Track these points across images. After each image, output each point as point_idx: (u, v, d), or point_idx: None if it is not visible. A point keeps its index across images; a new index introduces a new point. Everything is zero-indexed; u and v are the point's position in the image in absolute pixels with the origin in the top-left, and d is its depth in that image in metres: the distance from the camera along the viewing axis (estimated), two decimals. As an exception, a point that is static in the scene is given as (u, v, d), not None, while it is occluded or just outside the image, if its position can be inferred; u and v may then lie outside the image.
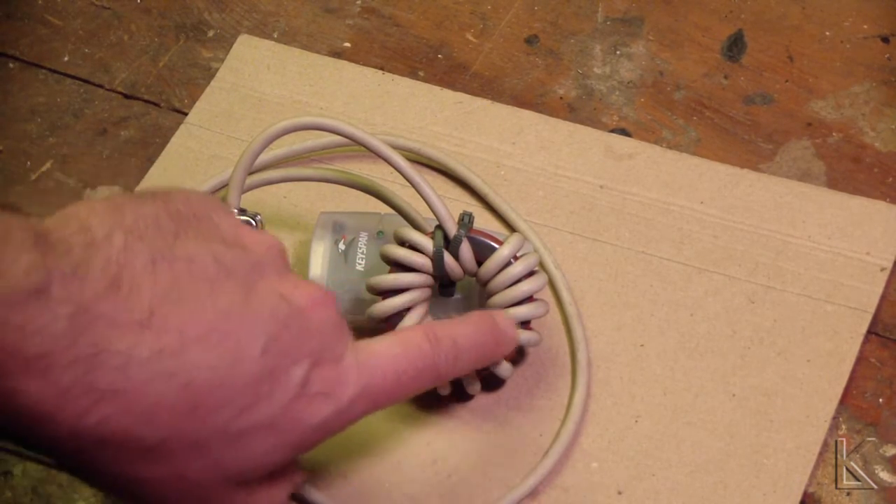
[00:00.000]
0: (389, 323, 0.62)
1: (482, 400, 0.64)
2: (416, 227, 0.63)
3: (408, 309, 0.62)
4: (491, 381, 0.64)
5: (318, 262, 0.64)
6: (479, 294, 0.64)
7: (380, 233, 0.65)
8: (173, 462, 0.47)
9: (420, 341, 0.54)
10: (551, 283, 0.66)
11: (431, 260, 0.62)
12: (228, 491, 0.50)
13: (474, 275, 0.62)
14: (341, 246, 0.65)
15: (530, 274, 0.62)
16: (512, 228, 0.68)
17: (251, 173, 0.64)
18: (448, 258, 0.62)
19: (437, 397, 0.64)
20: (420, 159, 0.70)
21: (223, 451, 0.48)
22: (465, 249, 0.62)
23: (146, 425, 0.46)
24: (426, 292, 0.63)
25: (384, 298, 0.62)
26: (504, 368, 0.62)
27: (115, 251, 0.46)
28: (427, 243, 0.62)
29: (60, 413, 0.45)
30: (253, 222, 0.62)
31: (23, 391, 0.44)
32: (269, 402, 0.48)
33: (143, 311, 0.46)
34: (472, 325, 0.57)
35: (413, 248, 0.62)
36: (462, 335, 0.56)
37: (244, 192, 0.62)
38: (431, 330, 0.55)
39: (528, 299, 0.62)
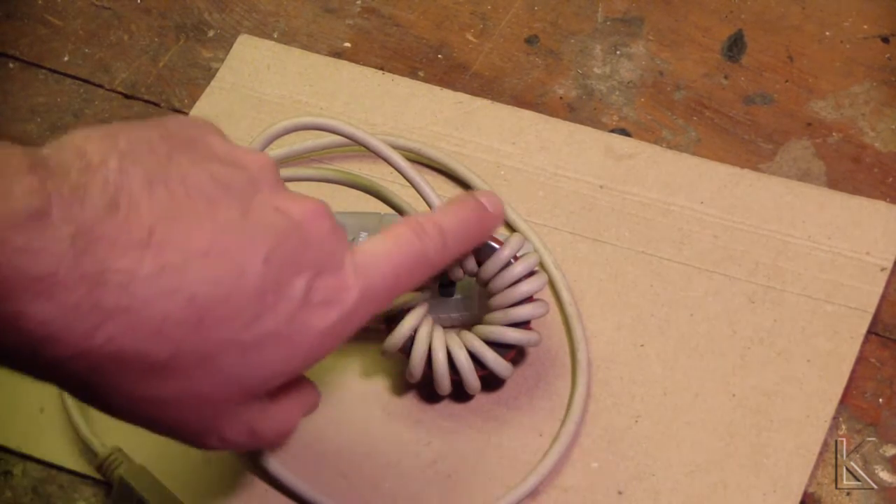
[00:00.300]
0: (389, 324, 0.62)
1: (482, 400, 0.64)
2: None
3: (408, 309, 0.62)
4: (491, 381, 0.64)
5: (318, 262, 0.64)
6: (479, 294, 0.64)
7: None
8: (185, 378, 0.47)
9: (408, 235, 0.54)
10: (551, 284, 0.66)
11: (431, 260, 0.62)
12: (242, 406, 0.50)
13: (474, 275, 0.62)
14: (341, 246, 0.65)
15: (530, 274, 0.62)
16: (512, 228, 0.68)
17: (251, 173, 0.64)
18: (448, 258, 0.62)
19: (437, 397, 0.64)
20: (420, 159, 0.70)
21: (233, 363, 0.48)
22: (465, 250, 0.62)
23: (154, 341, 0.46)
24: (426, 292, 0.63)
25: (384, 298, 0.62)
26: (504, 368, 0.62)
27: (111, 173, 0.46)
28: (427, 243, 0.62)
29: (67, 333, 0.45)
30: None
31: (28, 313, 0.44)
32: (275, 313, 0.48)
33: (142, 230, 0.46)
34: (454, 208, 0.58)
35: (413, 248, 0.62)
36: (446, 221, 0.56)
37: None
38: (416, 221, 0.55)
39: (529, 299, 0.62)
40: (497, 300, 0.62)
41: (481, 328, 0.62)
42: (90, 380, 0.47)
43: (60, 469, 0.64)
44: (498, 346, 0.62)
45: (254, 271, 0.48)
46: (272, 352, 0.49)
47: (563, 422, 0.63)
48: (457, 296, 0.64)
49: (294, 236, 0.50)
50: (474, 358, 0.62)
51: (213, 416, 0.50)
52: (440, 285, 0.63)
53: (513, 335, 0.62)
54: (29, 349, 0.45)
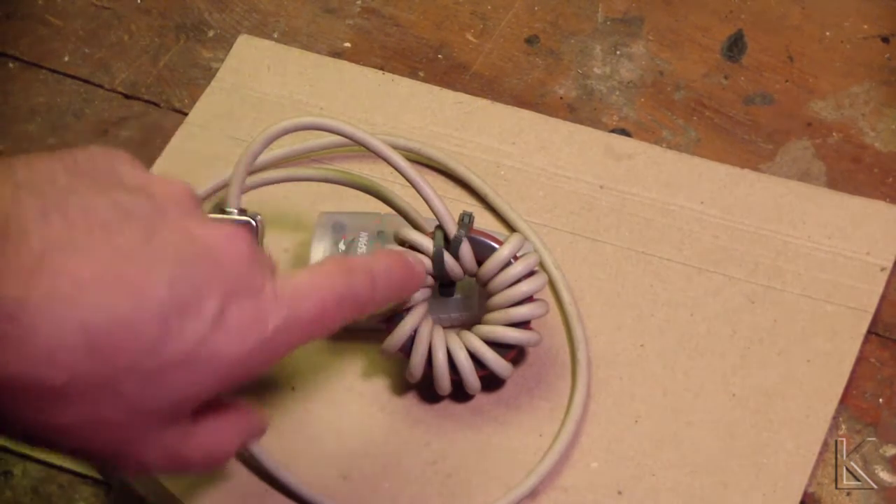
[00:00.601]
0: (389, 324, 0.62)
1: (482, 400, 0.64)
2: (416, 227, 0.63)
3: (408, 309, 0.62)
4: (491, 381, 0.64)
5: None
6: (478, 294, 0.64)
7: (380, 233, 0.65)
8: (85, 405, 0.47)
9: (337, 271, 0.54)
10: (551, 284, 0.66)
11: (431, 260, 0.62)
12: (156, 431, 0.49)
13: (474, 275, 0.62)
14: (341, 246, 0.65)
15: (530, 274, 0.62)
16: (512, 228, 0.68)
17: (251, 173, 0.64)
18: (448, 258, 0.62)
19: (437, 397, 0.64)
20: (420, 159, 0.70)
21: (137, 390, 0.47)
22: (466, 249, 0.62)
23: (46, 368, 0.46)
24: (426, 292, 0.63)
25: (384, 298, 0.62)
26: (504, 368, 0.62)
27: (2, 202, 0.46)
28: (427, 243, 0.62)
29: None
30: (253, 222, 0.62)
31: None
32: (182, 338, 0.47)
33: (32, 258, 0.45)
34: (383, 256, 0.58)
35: (413, 248, 0.62)
36: (375, 265, 0.56)
37: (244, 192, 0.62)
38: (344, 260, 0.55)
39: (529, 299, 0.62)
40: (497, 300, 0.62)
41: (481, 328, 0.62)
42: None
43: (60, 469, 0.64)
44: (498, 346, 0.62)
45: (155, 296, 0.47)
46: (179, 377, 0.48)
47: (563, 422, 0.63)
48: (457, 296, 0.64)
49: (205, 260, 0.49)
50: (474, 358, 0.62)
51: (123, 441, 0.49)
52: (440, 285, 0.63)
53: (513, 335, 0.62)
54: None
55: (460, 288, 0.64)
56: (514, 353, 0.63)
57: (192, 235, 0.49)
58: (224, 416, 0.52)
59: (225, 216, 0.62)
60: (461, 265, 0.62)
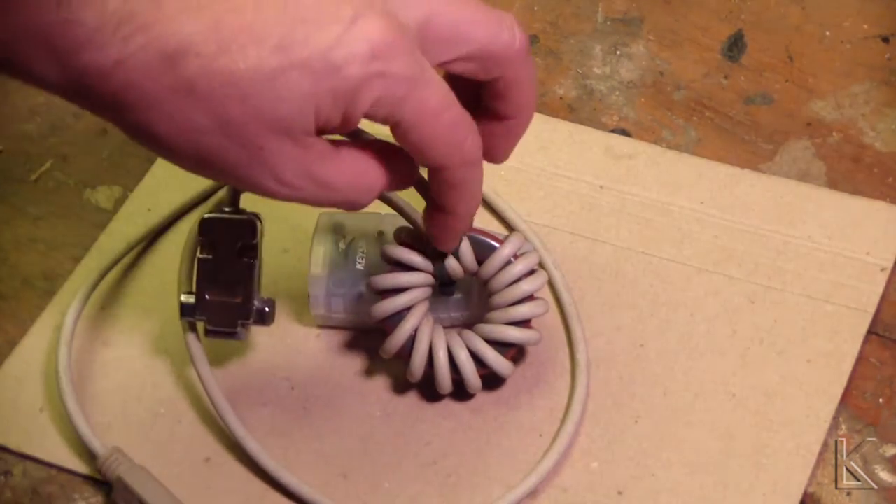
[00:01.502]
0: (390, 323, 0.62)
1: (482, 400, 0.64)
2: (416, 227, 0.63)
3: (408, 308, 0.62)
4: (491, 381, 0.64)
5: (319, 262, 0.64)
6: (478, 293, 0.64)
7: (380, 233, 0.65)
8: (212, 103, 0.49)
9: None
10: (551, 284, 0.66)
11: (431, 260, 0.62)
12: (291, 144, 0.50)
13: (474, 274, 0.62)
14: (341, 246, 0.65)
15: (531, 273, 0.62)
16: (511, 228, 0.68)
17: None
18: (448, 258, 0.62)
19: (438, 397, 0.64)
20: (420, 159, 0.70)
21: (259, 92, 0.49)
22: (466, 248, 0.62)
23: (179, 58, 0.48)
24: (426, 291, 0.63)
25: (384, 298, 0.62)
26: (505, 367, 0.62)
27: None
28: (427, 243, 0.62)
29: (109, 41, 0.47)
30: (258, 222, 0.62)
31: (76, 20, 0.47)
32: (305, 45, 0.49)
33: None
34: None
35: (413, 248, 0.62)
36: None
37: (244, 192, 0.62)
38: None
39: (529, 298, 0.62)
40: (497, 299, 0.62)
41: (482, 327, 0.62)
42: (132, 97, 0.48)
43: (60, 469, 0.64)
44: (498, 344, 0.62)
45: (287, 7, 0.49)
46: (297, 83, 0.49)
47: (563, 422, 0.63)
48: (457, 295, 0.64)
49: None
50: (475, 357, 0.62)
51: (258, 150, 0.50)
52: (440, 284, 0.63)
53: (513, 334, 0.62)
54: (76, 59, 0.47)
55: (460, 287, 0.64)
56: (515, 352, 0.63)
57: None
58: (372, 153, 0.54)
59: (225, 215, 0.62)
60: (461, 264, 0.62)
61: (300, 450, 0.63)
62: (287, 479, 0.62)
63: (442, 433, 0.63)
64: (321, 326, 0.66)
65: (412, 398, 0.64)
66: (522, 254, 0.62)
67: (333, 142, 0.53)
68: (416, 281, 0.62)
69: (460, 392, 0.63)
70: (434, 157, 0.54)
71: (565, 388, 0.64)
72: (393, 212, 0.64)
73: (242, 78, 0.49)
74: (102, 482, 0.63)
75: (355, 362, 0.65)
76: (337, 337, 0.66)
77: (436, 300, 0.64)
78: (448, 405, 0.64)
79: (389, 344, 0.62)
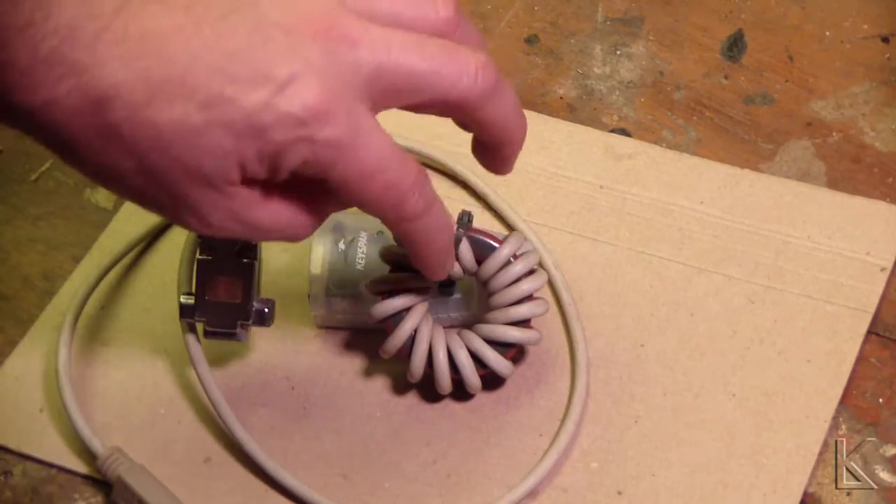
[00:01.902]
0: (389, 323, 0.62)
1: (482, 400, 0.64)
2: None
3: (407, 309, 0.62)
4: (491, 381, 0.64)
5: (319, 262, 0.64)
6: (478, 293, 0.64)
7: (379, 232, 0.65)
8: (135, 150, 0.48)
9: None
10: (551, 284, 0.66)
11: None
12: (198, 189, 0.50)
13: (474, 274, 0.62)
14: (341, 246, 0.65)
15: (530, 273, 0.62)
16: (511, 229, 0.68)
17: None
18: (448, 258, 0.62)
19: (437, 397, 0.64)
20: (420, 159, 0.70)
21: (182, 144, 0.49)
22: (465, 249, 0.62)
23: (106, 104, 0.48)
24: (426, 292, 0.63)
25: (384, 299, 0.62)
26: (505, 367, 0.62)
27: None
28: (427, 243, 0.62)
29: (40, 82, 0.47)
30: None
31: (9, 61, 0.47)
32: (231, 106, 0.48)
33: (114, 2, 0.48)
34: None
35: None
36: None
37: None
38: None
39: (529, 298, 0.62)
40: (497, 299, 0.62)
41: (481, 327, 0.62)
42: (59, 136, 0.49)
43: (60, 469, 0.64)
44: (498, 345, 0.62)
45: (217, 56, 0.48)
46: (219, 140, 0.49)
47: (563, 422, 0.63)
48: (456, 295, 0.64)
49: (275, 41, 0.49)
50: (475, 357, 0.62)
51: (182, 196, 0.50)
52: (440, 285, 0.63)
53: (513, 334, 0.62)
54: (8, 97, 0.48)
55: (460, 287, 0.64)
56: (515, 352, 0.63)
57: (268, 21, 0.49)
58: (307, 195, 0.52)
59: None
60: (461, 264, 0.62)
61: (300, 450, 0.63)
62: (287, 480, 0.62)
63: (442, 433, 0.63)
64: (321, 326, 0.66)
65: (412, 398, 0.64)
66: (522, 254, 0.62)
67: (264, 187, 0.51)
68: (416, 282, 0.62)
69: (460, 392, 0.63)
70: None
71: (565, 388, 0.64)
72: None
73: (166, 129, 0.48)
74: (102, 482, 0.63)
75: (355, 362, 0.65)
76: (337, 337, 0.66)
77: (435, 300, 0.64)
78: (448, 405, 0.64)
79: (389, 344, 0.62)
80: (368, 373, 0.65)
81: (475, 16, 0.77)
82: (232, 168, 0.49)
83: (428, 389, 0.64)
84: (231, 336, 0.62)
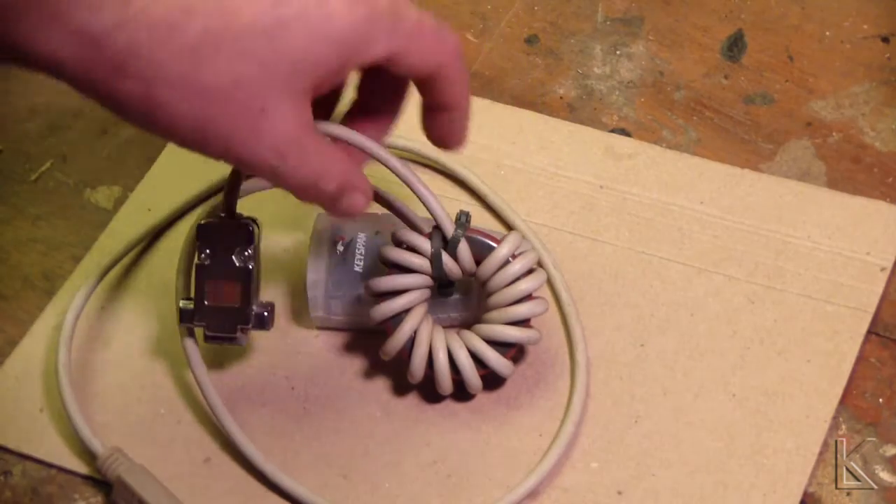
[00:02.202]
0: (389, 325, 0.62)
1: (482, 400, 0.64)
2: (413, 227, 0.63)
3: (407, 310, 0.62)
4: (491, 381, 0.64)
5: (317, 265, 0.64)
6: (477, 293, 0.64)
7: (377, 233, 0.65)
8: (219, 63, 0.49)
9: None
10: (550, 283, 0.66)
11: (430, 261, 0.62)
12: (276, 98, 0.51)
13: (473, 274, 0.62)
14: (340, 247, 0.65)
15: (529, 272, 0.62)
16: (511, 229, 0.68)
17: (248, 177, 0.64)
18: (447, 259, 0.61)
19: (438, 397, 0.64)
20: (419, 159, 0.70)
21: (261, 46, 0.49)
22: (464, 249, 0.62)
23: (183, 20, 0.48)
24: (425, 293, 0.63)
25: (383, 300, 0.62)
26: (505, 367, 0.62)
27: None
28: (425, 244, 0.62)
29: (106, 2, 0.47)
30: (255, 226, 0.62)
31: None
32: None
33: None
34: None
35: (411, 249, 0.62)
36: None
37: (243, 195, 0.62)
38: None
39: (528, 297, 0.62)
40: (496, 299, 0.62)
41: (481, 327, 0.62)
42: (129, 66, 0.48)
43: (60, 469, 0.64)
44: (498, 344, 0.62)
45: None
46: (297, 33, 0.50)
47: (563, 422, 0.63)
48: (456, 295, 0.64)
49: None
50: (475, 357, 0.62)
51: (259, 112, 0.51)
52: (439, 285, 0.63)
53: (513, 333, 0.62)
54: (75, 17, 0.47)
55: (459, 287, 0.64)
56: (515, 352, 0.63)
57: None
58: (342, 152, 0.55)
59: (222, 220, 0.62)
60: (460, 265, 0.62)
61: (300, 450, 0.63)
62: (287, 480, 0.62)
63: (442, 433, 0.63)
64: (320, 328, 0.66)
65: (412, 398, 0.64)
66: (521, 253, 0.62)
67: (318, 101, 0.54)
68: (415, 283, 0.62)
69: (460, 392, 0.63)
70: (445, 86, 0.56)
71: (565, 388, 0.64)
72: (390, 213, 0.64)
73: (243, 33, 0.49)
74: (102, 482, 0.63)
75: (355, 363, 0.65)
76: (337, 337, 0.66)
77: (435, 301, 0.64)
78: (448, 405, 0.64)
79: (389, 345, 0.62)
80: (368, 373, 0.65)
81: (475, 16, 0.77)
82: (308, 66, 0.51)
83: (428, 389, 0.64)
84: (231, 340, 0.62)
